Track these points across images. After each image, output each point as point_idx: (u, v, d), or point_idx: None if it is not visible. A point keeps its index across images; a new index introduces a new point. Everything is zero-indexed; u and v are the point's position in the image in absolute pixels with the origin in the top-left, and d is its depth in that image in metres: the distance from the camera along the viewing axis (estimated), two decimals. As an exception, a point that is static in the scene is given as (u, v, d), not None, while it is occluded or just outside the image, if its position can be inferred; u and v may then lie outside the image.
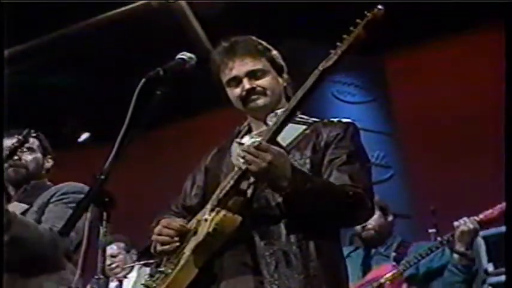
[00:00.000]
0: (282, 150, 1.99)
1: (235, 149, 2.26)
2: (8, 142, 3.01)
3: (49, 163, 3.20)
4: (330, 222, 2.09)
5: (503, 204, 3.64)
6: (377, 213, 3.91)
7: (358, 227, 3.93)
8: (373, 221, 3.95)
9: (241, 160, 1.96)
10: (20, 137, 2.95)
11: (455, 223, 3.72)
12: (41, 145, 3.17)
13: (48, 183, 3.15)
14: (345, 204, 2.03)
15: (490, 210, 3.75)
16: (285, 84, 2.29)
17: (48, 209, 2.93)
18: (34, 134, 3.12)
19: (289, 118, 2.05)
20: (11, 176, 3.06)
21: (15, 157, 2.99)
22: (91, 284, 1.93)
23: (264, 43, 2.29)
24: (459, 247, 3.66)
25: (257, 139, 2.08)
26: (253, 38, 2.29)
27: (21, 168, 3.06)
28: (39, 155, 3.15)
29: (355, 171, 2.07)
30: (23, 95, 6.71)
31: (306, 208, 2.01)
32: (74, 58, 6.90)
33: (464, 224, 3.68)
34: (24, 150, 3.04)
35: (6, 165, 3.01)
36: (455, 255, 3.67)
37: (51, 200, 2.96)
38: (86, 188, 2.91)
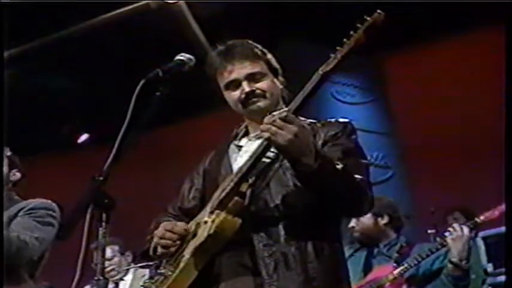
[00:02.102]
0: (306, 126, 1.94)
1: (232, 151, 2.27)
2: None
3: (15, 176, 3.19)
4: (334, 210, 2.06)
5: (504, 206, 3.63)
6: (367, 215, 3.90)
7: (349, 226, 3.92)
8: (361, 223, 3.94)
9: (265, 132, 1.90)
10: None
11: (449, 229, 3.70)
12: (6, 158, 3.17)
13: (16, 197, 3.14)
14: (355, 190, 2.00)
15: (491, 211, 3.73)
16: (281, 86, 2.29)
17: (15, 221, 2.94)
18: None
19: None
20: None
21: None
22: (91, 285, 1.92)
23: (260, 46, 2.29)
24: (453, 256, 3.62)
25: (256, 141, 2.07)
26: (249, 41, 2.29)
27: None
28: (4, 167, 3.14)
29: (351, 165, 2.04)
30: (22, 95, 6.71)
31: (324, 189, 1.96)
32: (74, 59, 6.90)
33: (455, 230, 3.66)
34: None
35: None
36: (449, 265, 3.63)
37: (19, 214, 2.96)
38: (54, 205, 3.00)
